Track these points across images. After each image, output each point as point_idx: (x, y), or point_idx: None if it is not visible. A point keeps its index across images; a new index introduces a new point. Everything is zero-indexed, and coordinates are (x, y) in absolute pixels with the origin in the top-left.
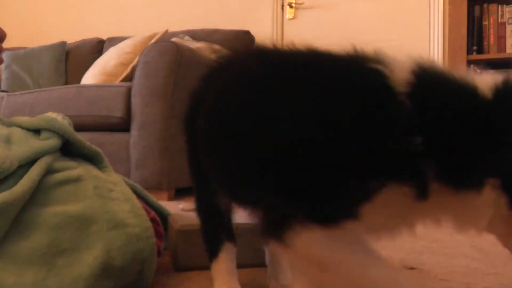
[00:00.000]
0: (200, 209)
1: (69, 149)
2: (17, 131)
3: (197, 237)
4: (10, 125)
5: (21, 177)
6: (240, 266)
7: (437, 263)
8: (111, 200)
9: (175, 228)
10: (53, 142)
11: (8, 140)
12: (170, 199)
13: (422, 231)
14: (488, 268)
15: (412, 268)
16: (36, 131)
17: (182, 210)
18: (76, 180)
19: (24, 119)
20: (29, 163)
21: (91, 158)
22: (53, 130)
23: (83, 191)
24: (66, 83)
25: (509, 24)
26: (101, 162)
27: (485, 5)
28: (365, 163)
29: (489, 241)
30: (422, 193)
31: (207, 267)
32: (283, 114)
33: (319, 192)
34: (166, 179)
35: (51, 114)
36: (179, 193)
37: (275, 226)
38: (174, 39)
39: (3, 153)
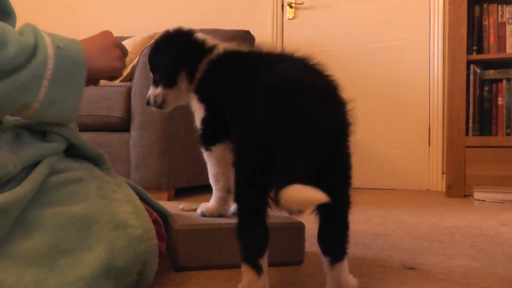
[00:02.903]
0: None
1: (73, 152)
2: (22, 133)
3: (197, 237)
4: (15, 126)
5: (24, 179)
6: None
7: (437, 263)
8: (114, 201)
9: (175, 228)
10: (57, 145)
11: (13, 142)
12: (170, 199)
13: (422, 230)
14: (488, 268)
15: (412, 268)
16: (42, 133)
17: (182, 210)
18: (79, 180)
19: (30, 121)
20: (33, 165)
21: (94, 160)
22: (59, 133)
23: (85, 192)
24: None
25: (509, 24)
26: (104, 164)
27: (485, 5)
28: None
29: (489, 241)
30: None
31: (207, 267)
32: None
33: None
34: (166, 179)
35: None
36: (179, 193)
37: None
38: None
39: (6, 156)
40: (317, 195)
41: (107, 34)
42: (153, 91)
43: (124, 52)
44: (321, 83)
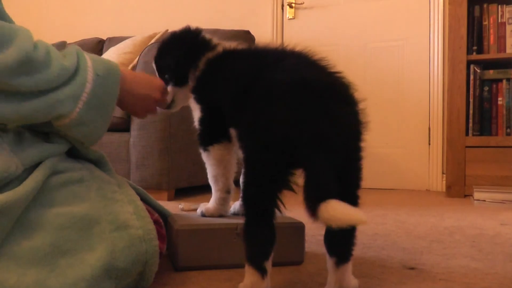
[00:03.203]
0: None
1: (74, 153)
2: (24, 134)
3: (197, 237)
4: (18, 127)
5: (26, 179)
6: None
7: (437, 263)
8: (115, 201)
9: (175, 228)
10: (59, 145)
11: (15, 143)
12: (170, 199)
13: (422, 230)
14: (488, 268)
15: (412, 268)
16: (44, 134)
17: (182, 210)
18: (80, 181)
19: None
20: (34, 165)
21: (95, 162)
22: (61, 135)
23: (86, 192)
24: None
25: (509, 24)
26: (105, 166)
27: (485, 5)
28: None
29: (489, 241)
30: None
31: (207, 267)
32: None
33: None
34: (166, 179)
35: None
36: (179, 193)
37: None
38: None
39: (8, 158)
40: (359, 216)
41: (157, 86)
42: None
43: (159, 105)
44: (338, 82)
